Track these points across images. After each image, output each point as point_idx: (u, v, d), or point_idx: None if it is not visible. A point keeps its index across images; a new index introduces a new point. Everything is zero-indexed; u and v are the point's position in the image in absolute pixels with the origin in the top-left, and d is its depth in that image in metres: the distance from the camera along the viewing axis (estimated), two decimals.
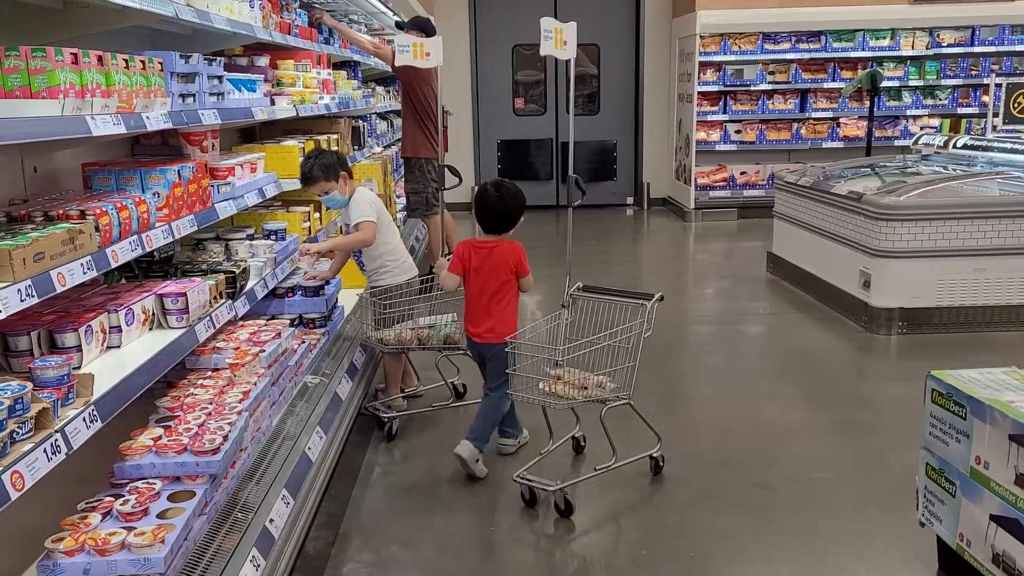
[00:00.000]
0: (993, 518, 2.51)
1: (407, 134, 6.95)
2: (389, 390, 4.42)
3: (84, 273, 2.35)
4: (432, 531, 3.27)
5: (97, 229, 2.48)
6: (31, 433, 2.00)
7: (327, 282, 4.45)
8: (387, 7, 7.21)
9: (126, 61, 2.64)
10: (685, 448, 3.93)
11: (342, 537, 3.22)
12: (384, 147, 7.60)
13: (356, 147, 6.15)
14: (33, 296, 2.10)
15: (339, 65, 6.38)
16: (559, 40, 3.47)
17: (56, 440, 2.02)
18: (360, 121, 6.45)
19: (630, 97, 11.77)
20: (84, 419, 2.15)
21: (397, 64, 5.33)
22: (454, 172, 6.09)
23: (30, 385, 2.05)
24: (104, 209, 2.53)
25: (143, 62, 2.77)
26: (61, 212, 2.48)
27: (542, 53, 3.60)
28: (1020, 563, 2.40)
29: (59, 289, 2.21)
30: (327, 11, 6.08)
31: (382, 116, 8.03)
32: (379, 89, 7.89)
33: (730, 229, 10.06)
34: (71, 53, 2.33)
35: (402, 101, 6.96)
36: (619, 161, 11.91)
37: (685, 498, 3.51)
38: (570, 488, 3.42)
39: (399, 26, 7.15)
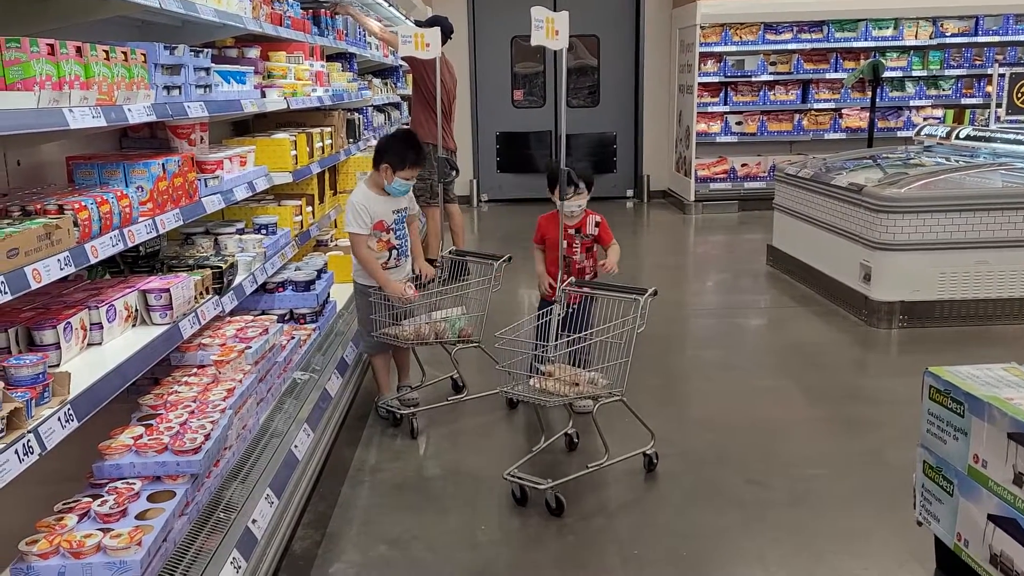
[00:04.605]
0: (991, 518, 2.46)
1: (414, 120, 7.11)
2: (383, 392, 4.33)
3: (61, 269, 2.30)
4: (422, 530, 3.23)
5: (76, 224, 2.42)
6: (3, 433, 1.95)
7: (319, 275, 4.40)
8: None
9: (107, 52, 2.58)
10: (679, 445, 3.88)
11: (330, 537, 3.18)
12: None
13: (351, 140, 6.09)
14: (6, 293, 2.04)
15: (334, 57, 6.32)
16: (551, 30, 3.40)
17: (29, 441, 1.97)
18: (355, 114, 6.38)
19: (630, 89, 11.68)
20: (59, 419, 2.10)
21: (400, 55, 5.39)
22: (451, 164, 6.05)
23: (2, 384, 2.00)
24: (83, 204, 2.48)
25: (125, 53, 2.71)
26: (39, 207, 2.43)
27: (533, 43, 3.53)
28: (1018, 564, 2.35)
29: (34, 285, 2.15)
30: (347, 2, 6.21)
31: (379, 109, 7.96)
32: (376, 81, 7.81)
33: (730, 222, 9.99)
34: (47, 44, 2.28)
35: (413, 89, 7.06)
36: (619, 153, 11.84)
37: (679, 496, 3.46)
38: (561, 486, 3.37)
39: (419, 25, 7.17)
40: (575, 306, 3.90)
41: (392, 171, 4.07)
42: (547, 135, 11.73)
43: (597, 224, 4.19)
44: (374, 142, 6.96)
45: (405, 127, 4.48)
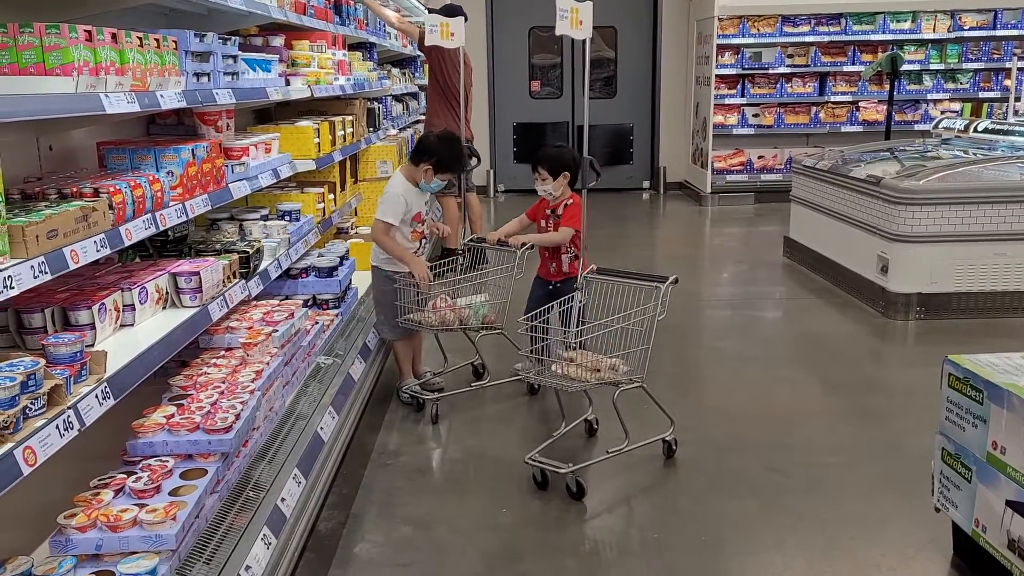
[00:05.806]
0: (1009, 504, 2.48)
1: (430, 110, 7.10)
2: (404, 378, 4.38)
3: (97, 251, 2.35)
4: (444, 513, 3.28)
5: (111, 207, 2.47)
6: (44, 409, 2.01)
7: (341, 262, 4.45)
8: None
9: (140, 39, 2.63)
10: (698, 432, 3.91)
11: (354, 517, 3.23)
12: (400, 129, 7.58)
13: (371, 129, 6.13)
14: (46, 273, 2.10)
15: (354, 46, 6.36)
16: (575, 20, 3.44)
17: (69, 416, 2.03)
18: (375, 103, 6.43)
19: (647, 80, 11.68)
20: (97, 396, 2.16)
21: (427, 44, 5.44)
22: (473, 152, 6.07)
23: (43, 361, 2.06)
24: (118, 187, 2.53)
25: (157, 40, 2.76)
26: (75, 190, 2.48)
27: (557, 33, 3.57)
28: None
29: (72, 266, 2.21)
30: None
31: (397, 98, 8.00)
32: (395, 71, 7.85)
33: (747, 214, 9.98)
34: (85, 30, 2.33)
35: (429, 80, 7.05)
36: (635, 145, 11.84)
37: (697, 482, 3.50)
38: (582, 471, 3.41)
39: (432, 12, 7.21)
40: (558, 284, 4.23)
41: (433, 172, 4.13)
42: (564, 126, 11.74)
43: (565, 207, 4.27)
44: (393, 131, 7.01)
45: (449, 131, 4.49)
